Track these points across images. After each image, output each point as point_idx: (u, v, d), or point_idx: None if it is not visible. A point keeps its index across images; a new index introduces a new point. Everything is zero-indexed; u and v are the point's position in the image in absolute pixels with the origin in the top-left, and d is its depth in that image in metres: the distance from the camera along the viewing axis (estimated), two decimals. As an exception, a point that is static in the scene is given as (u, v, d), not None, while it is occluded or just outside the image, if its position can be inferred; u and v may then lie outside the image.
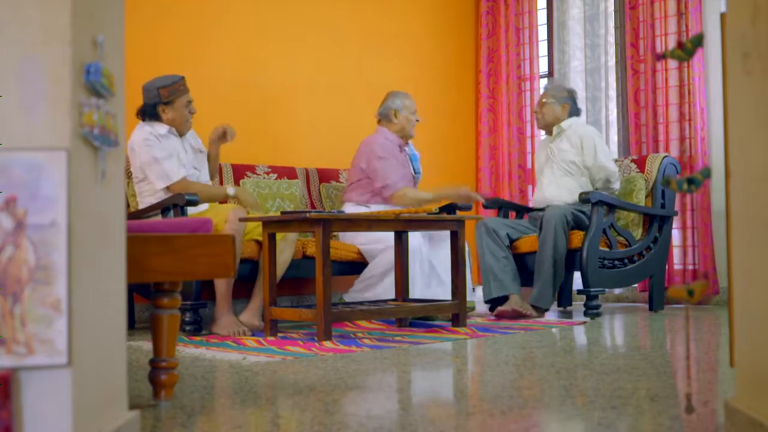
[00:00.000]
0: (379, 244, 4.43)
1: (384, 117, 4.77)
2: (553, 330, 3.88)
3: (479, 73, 6.23)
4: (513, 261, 4.63)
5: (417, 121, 4.79)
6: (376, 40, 5.79)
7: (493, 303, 4.62)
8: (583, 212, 4.64)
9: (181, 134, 4.13)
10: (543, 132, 5.11)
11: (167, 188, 3.99)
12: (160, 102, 4.04)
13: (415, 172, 4.83)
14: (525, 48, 6.04)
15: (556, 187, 4.80)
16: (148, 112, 4.06)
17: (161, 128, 4.05)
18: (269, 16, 5.25)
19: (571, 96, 4.94)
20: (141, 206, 4.08)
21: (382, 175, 4.58)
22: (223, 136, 4.34)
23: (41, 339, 1.38)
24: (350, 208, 4.65)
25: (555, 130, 4.90)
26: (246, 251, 4.02)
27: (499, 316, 4.41)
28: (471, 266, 5.12)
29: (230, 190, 4.14)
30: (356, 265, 4.53)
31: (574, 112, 4.94)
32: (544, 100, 4.93)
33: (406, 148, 4.82)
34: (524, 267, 4.67)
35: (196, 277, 2.13)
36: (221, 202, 4.35)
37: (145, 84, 4.09)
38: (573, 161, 4.80)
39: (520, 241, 4.70)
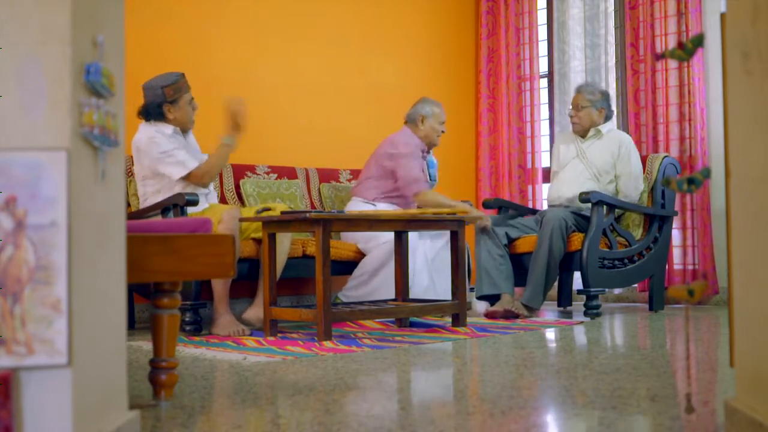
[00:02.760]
0: (372, 241, 4.44)
1: (411, 120, 4.80)
2: (553, 330, 3.88)
3: (479, 73, 6.23)
4: (509, 260, 4.63)
5: (442, 131, 4.80)
6: (377, 40, 5.79)
7: (490, 299, 4.62)
8: (584, 216, 4.64)
9: (184, 132, 4.12)
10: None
11: (186, 177, 3.95)
12: (165, 101, 3.99)
13: (430, 178, 4.85)
14: (525, 48, 6.04)
15: (578, 187, 4.76)
16: (153, 113, 4.00)
17: (166, 128, 4.02)
18: (269, 16, 5.25)
19: (606, 98, 4.91)
20: (144, 206, 4.06)
21: (409, 173, 4.58)
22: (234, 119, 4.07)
23: (41, 339, 1.38)
24: (356, 204, 4.65)
25: (591, 131, 4.88)
26: (245, 250, 4.02)
27: (490, 316, 4.41)
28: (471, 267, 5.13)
29: (225, 139, 3.99)
30: (356, 264, 4.53)
31: (610, 115, 4.92)
32: (581, 105, 4.86)
33: (427, 155, 4.87)
34: (522, 266, 4.67)
35: (196, 277, 2.13)
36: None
37: (145, 83, 4.04)
38: (605, 170, 4.77)
39: (520, 241, 4.70)
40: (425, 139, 4.77)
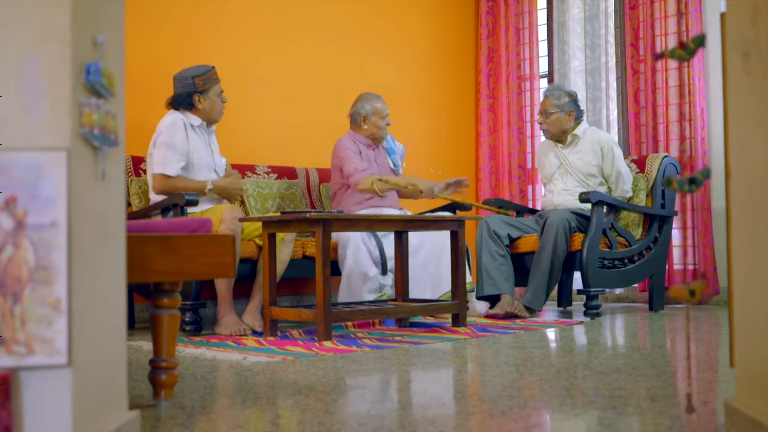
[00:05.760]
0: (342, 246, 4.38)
1: (353, 121, 4.75)
2: (553, 330, 3.88)
3: (479, 73, 6.23)
4: (510, 261, 4.62)
5: (387, 125, 4.72)
6: (377, 40, 5.79)
7: (491, 300, 4.62)
8: (585, 216, 4.64)
9: (213, 122, 4.15)
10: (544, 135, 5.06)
11: (155, 175, 3.95)
12: (195, 91, 4.05)
13: (394, 165, 4.80)
14: (525, 48, 6.04)
15: (570, 196, 4.76)
16: (184, 102, 4.06)
17: (194, 119, 4.07)
18: (270, 16, 5.25)
19: (573, 100, 4.86)
20: (150, 187, 4.06)
21: (344, 170, 4.58)
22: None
23: (41, 339, 1.38)
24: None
25: (569, 138, 4.86)
26: (246, 251, 4.02)
27: (491, 318, 4.40)
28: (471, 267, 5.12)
29: (209, 184, 4.02)
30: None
31: (580, 115, 4.88)
32: (549, 111, 4.83)
33: (384, 144, 4.81)
34: (523, 266, 4.67)
35: (196, 277, 2.13)
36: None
37: (176, 74, 4.10)
38: (591, 173, 4.77)
39: (521, 241, 4.70)
40: (371, 137, 4.71)
